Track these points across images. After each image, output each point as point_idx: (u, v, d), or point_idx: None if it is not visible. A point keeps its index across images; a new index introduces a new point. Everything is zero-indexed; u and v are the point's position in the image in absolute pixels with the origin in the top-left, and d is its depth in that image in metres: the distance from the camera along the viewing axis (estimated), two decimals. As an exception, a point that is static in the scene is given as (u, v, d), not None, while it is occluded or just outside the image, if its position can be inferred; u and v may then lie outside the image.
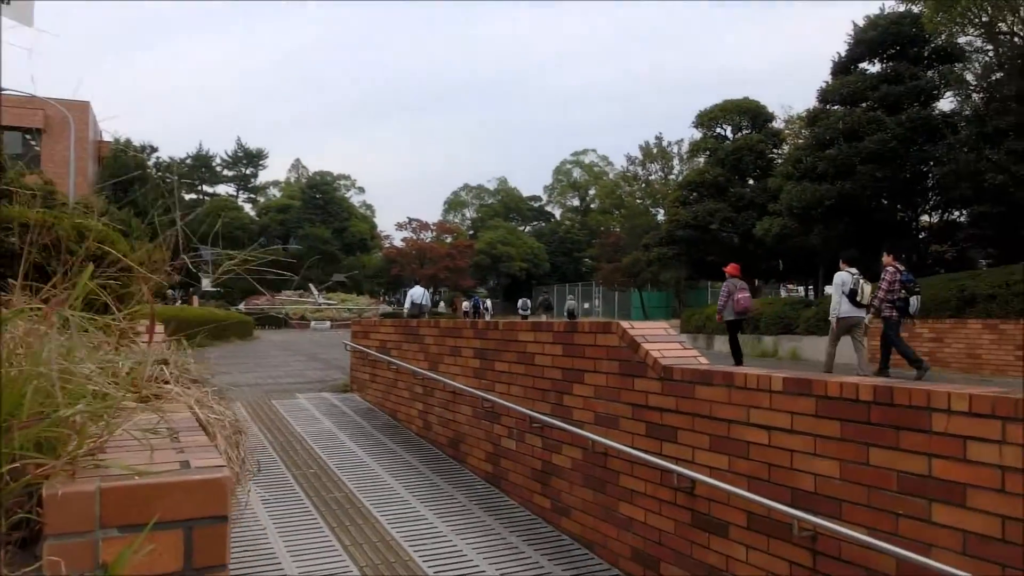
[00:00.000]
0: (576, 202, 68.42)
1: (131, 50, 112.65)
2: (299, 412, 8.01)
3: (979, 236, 18.03)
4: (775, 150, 25.49)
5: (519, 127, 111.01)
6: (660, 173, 45.38)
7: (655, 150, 44.94)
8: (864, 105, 18.25)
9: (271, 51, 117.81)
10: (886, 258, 9.87)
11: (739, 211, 23.62)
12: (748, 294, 12.14)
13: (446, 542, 4.49)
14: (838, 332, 9.94)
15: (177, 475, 1.22)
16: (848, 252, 10.41)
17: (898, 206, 18.92)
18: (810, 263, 22.16)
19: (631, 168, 47.57)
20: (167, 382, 2.14)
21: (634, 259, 35.22)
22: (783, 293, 37.83)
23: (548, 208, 70.38)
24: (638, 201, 45.16)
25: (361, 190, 69.05)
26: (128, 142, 36.17)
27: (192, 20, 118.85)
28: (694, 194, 25.16)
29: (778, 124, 27.84)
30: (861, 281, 9.68)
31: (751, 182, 25.05)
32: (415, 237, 55.92)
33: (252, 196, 63.34)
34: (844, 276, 9.75)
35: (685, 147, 36.59)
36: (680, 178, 34.84)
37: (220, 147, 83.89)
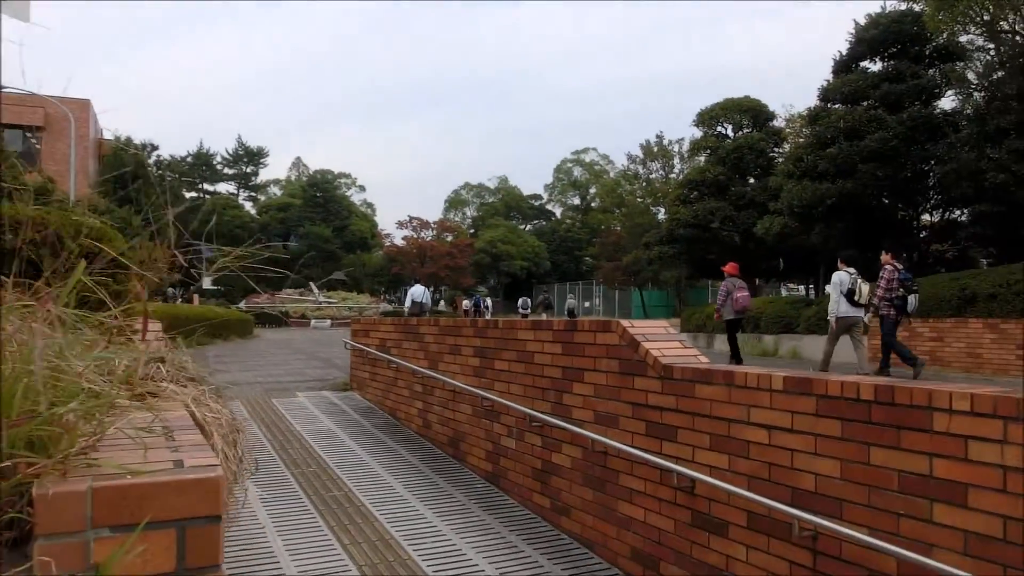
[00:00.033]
0: (577, 201, 68.38)
1: (131, 49, 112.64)
2: (299, 410, 8.00)
3: (980, 235, 18.01)
4: (776, 149, 25.46)
5: (520, 126, 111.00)
6: (661, 172, 45.31)
7: (656, 149, 44.86)
8: (865, 104, 18.23)
9: (272, 50, 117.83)
10: (884, 256, 9.88)
11: (740, 210, 23.60)
12: (747, 293, 12.14)
13: (445, 541, 4.48)
14: (837, 332, 9.95)
15: (170, 474, 1.20)
16: (846, 252, 10.43)
17: (899, 205, 18.89)
18: (811, 262, 22.14)
19: (632, 167, 47.51)
20: (163, 380, 2.13)
21: (634, 258, 35.20)
22: (784, 292, 37.85)
23: (549, 207, 70.35)
24: (639, 200, 45.07)
25: (362, 188, 69.10)
26: (129, 140, 36.14)
27: (192, 20, 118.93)
28: (695, 193, 25.13)
29: (779, 123, 27.83)
30: (859, 281, 9.70)
31: (752, 181, 25.02)
32: (416, 236, 55.91)
33: (253, 194, 63.33)
34: (842, 276, 9.77)
35: (686, 146, 36.52)
36: (681, 177, 34.78)
37: (221, 145, 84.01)
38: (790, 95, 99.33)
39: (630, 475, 4.22)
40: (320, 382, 10.46)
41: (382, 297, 51.91)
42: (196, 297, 29.46)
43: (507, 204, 67.59)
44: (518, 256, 56.60)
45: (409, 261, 52.57)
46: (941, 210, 19.15)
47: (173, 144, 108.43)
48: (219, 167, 61.07)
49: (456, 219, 68.52)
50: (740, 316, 12.35)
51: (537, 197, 70.25)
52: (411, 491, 5.39)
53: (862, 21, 19.19)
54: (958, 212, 18.91)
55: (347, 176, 66.95)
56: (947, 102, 18.31)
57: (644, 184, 45.65)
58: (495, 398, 5.56)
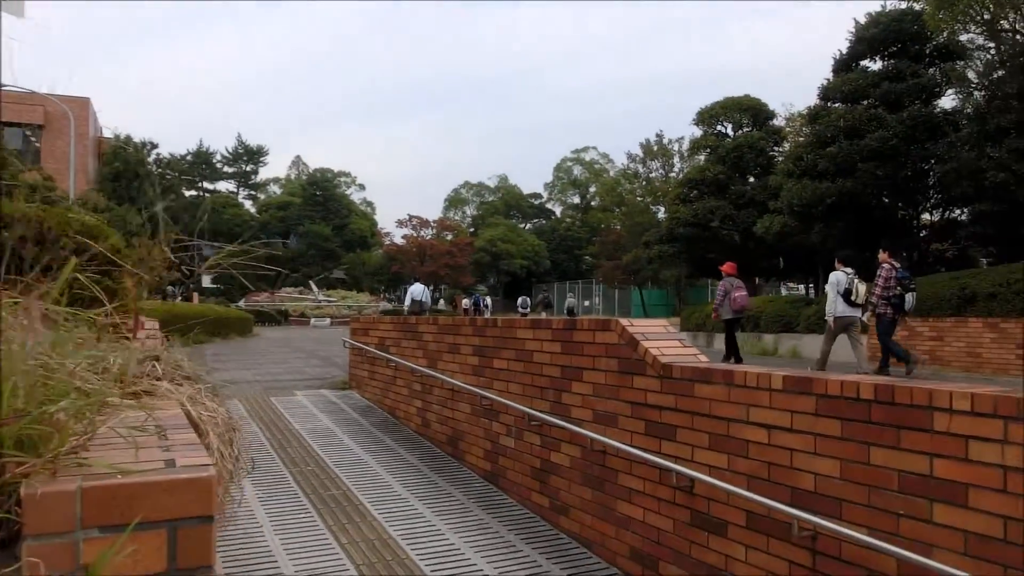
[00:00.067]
0: (577, 200, 68.36)
1: (131, 49, 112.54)
2: (297, 409, 7.98)
3: (980, 234, 18.01)
4: (776, 148, 25.45)
5: (520, 126, 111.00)
6: (661, 171, 45.31)
7: (656, 148, 44.86)
8: (865, 103, 18.22)
9: (272, 50, 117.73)
10: (882, 255, 9.88)
11: (740, 209, 23.60)
12: (745, 292, 12.14)
13: (444, 540, 4.46)
14: (834, 331, 9.97)
15: (161, 474, 1.19)
16: (843, 252, 10.45)
17: (899, 204, 18.89)
18: (810, 261, 22.13)
19: (632, 166, 47.52)
20: (158, 379, 2.11)
21: (634, 257, 35.19)
22: (783, 291, 37.85)
23: (549, 205, 70.34)
24: (639, 199, 45.06)
25: (361, 187, 69.08)
26: (128, 138, 36.11)
27: (192, 20, 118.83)
28: (695, 192, 25.12)
29: (779, 122, 27.82)
30: (856, 281, 9.71)
31: (752, 180, 25.02)
32: (415, 234, 55.91)
33: (252, 193, 63.31)
34: (839, 276, 9.78)
35: (686, 145, 36.55)
36: (681, 176, 34.78)
37: (221, 144, 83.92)
38: (790, 94, 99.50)
39: (629, 474, 4.21)
40: (319, 381, 10.45)
41: (382, 296, 51.95)
42: (196, 295, 29.44)
43: (507, 203, 67.56)
44: (518, 255, 56.59)
45: (409, 260, 52.57)
46: (941, 209, 19.15)
47: (173, 143, 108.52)
48: (219, 165, 61.06)
49: (456, 218, 68.52)
50: (738, 316, 12.35)
51: (537, 196, 70.24)
52: (409, 490, 5.37)
53: (862, 20, 19.20)
54: (958, 211, 18.91)
55: (347, 175, 66.97)
56: (947, 101, 18.35)
57: (644, 183, 45.65)
58: (494, 397, 5.55)
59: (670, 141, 44.58)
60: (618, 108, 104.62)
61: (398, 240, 57.60)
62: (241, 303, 36.22)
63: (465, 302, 37.23)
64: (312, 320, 36.25)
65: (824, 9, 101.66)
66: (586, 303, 48.42)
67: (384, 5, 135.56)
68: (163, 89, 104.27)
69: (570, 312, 35.85)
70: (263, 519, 4.63)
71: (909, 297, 9.62)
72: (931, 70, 18.15)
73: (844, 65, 19.46)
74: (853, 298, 9.66)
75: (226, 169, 61.76)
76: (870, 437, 2.91)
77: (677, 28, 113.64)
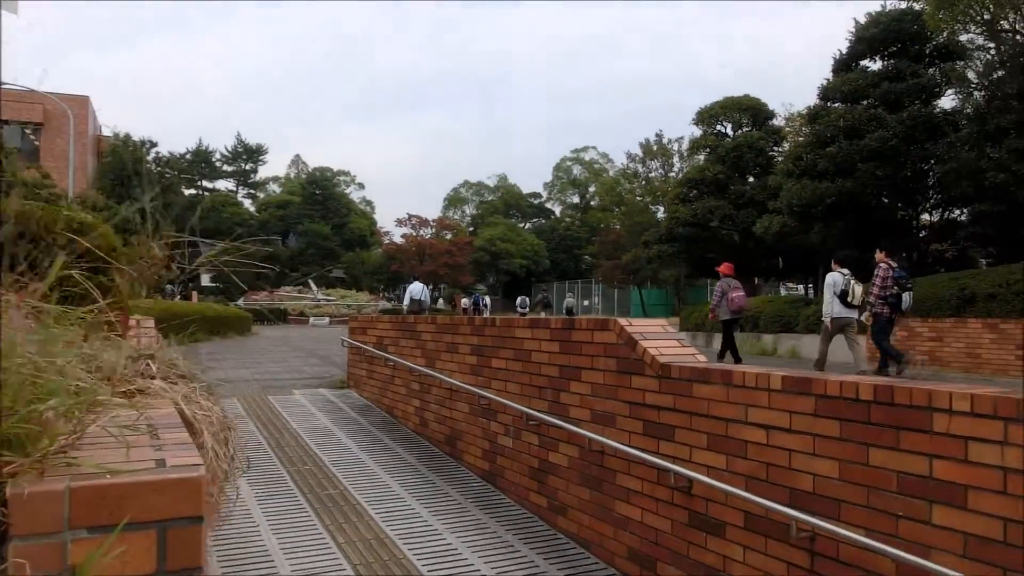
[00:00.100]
0: (576, 199, 68.33)
1: (130, 48, 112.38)
2: (295, 408, 7.97)
3: (980, 235, 18.00)
4: (775, 148, 25.44)
5: (520, 126, 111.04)
6: (660, 170, 45.27)
7: (655, 147, 44.81)
8: (865, 103, 18.20)
9: (273, 49, 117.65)
10: (879, 255, 9.87)
11: (739, 209, 23.58)
12: (742, 293, 12.13)
13: (441, 540, 4.45)
14: (831, 332, 9.97)
15: (151, 474, 1.17)
16: (840, 252, 10.46)
17: (899, 204, 18.88)
18: (810, 261, 22.13)
19: (631, 165, 47.45)
20: (152, 377, 2.09)
21: (634, 256, 35.15)
22: (783, 291, 37.82)
23: (548, 205, 70.32)
24: (638, 198, 45.02)
25: (361, 186, 69.05)
26: (127, 137, 36.08)
27: (192, 19, 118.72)
28: (694, 191, 25.11)
29: (779, 122, 27.80)
30: (852, 282, 9.71)
31: (751, 180, 25.00)
32: (415, 233, 55.85)
33: (252, 192, 63.25)
34: (836, 277, 9.79)
35: (685, 144, 36.48)
36: (680, 175, 34.77)
37: (220, 143, 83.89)
38: (790, 94, 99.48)
39: (627, 475, 4.20)
40: (318, 379, 10.43)
41: (381, 295, 51.91)
42: (195, 294, 29.43)
43: (506, 202, 67.54)
44: (517, 254, 56.57)
45: (408, 259, 52.52)
46: (941, 209, 19.14)
47: (172, 141, 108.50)
48: (218, 164, 60.99)
49: (455, 217, 68.48)
50: (736, 316, 12.33)
51: (536, 195, 70.22)
52: (407, 489, 5.36)
53: (862, 20, 19.18)
54: (958, 211, 18.90)
55: (346, 174, 66.96)
56: (947, 101, 18.33)
57: (643, 183, 45.61)
58: (492, 396, 5.53)
59: (670, 141, 44.55)
60: (618, 108, 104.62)
61: (397, 239, 57.58)
62: (240, 302, 36.19)
63: (464, 301, 37.20)
64: (311, 319, 36.24)
65: (824, 9, 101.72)
66: (585, 303, 48.39)
67: (384, 5, 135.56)
68: (162, 88, 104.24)
69: (569, 312, 35.80)
70: (260, 518, 4.61)
71: (906, 297, 9.61)
72: (931, 70, 18.14)
73: (844, 65, 19.45)
74: (849, 299, 9.66)
75: (225, 168, 61.71)
76: (869, 438, 2.89)
77: (677, 28, 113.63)
